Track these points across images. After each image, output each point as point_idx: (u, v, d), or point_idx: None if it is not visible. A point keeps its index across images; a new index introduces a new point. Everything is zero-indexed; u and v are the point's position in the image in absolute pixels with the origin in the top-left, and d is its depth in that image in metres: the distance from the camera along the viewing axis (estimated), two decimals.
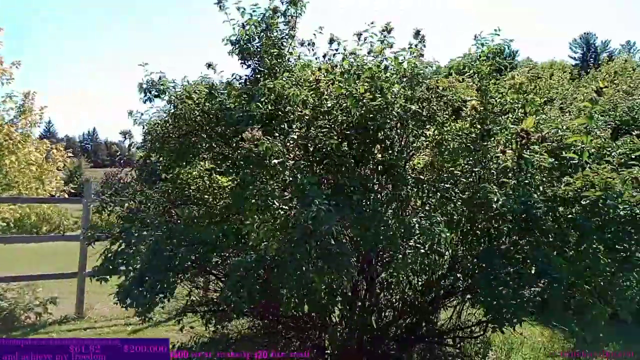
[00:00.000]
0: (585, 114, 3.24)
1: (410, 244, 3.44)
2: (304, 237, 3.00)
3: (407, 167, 4.15)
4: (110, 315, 7.62)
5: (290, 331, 5.22)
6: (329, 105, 3.76)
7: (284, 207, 3.41)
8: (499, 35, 5.00)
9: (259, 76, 4.54)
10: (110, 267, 4.31)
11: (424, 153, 4.58)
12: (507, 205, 3.28)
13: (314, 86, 3.75)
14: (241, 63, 4.87)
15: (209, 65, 4.99)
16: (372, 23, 4.07)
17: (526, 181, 3.50)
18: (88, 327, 7.26)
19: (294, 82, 3.98)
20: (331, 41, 4.39)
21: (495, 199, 3.34)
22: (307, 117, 3.76)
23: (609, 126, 7.84)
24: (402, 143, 4.21)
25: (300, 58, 5.04)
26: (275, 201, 3.34)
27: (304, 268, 3.08)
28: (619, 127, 7.40)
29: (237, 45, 4.60)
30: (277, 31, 4.75)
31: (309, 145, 3.59)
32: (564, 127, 3.75)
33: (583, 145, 3.31)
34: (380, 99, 3.54)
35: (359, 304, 4.87)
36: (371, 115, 3.58)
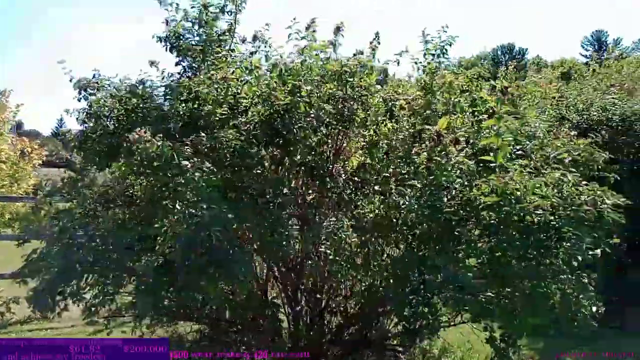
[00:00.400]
0: (496, 115, 3.07)
1: (320, 249, 3.31)
2: (189, 242, 2.87)
3: (335, 169, 4.00)
4: (74, 316, 7.54)
5: (232, 335, 5.10)
6: (245, 105, 3.62)
7: (191, 210, 3.29)
8: (446, 32, 4.87)
9: (189, 74, 4.42)
10: (33, 269, 4.22)
11: (359, 153, 4.45)
12: (412, 210, 3.12)
13: (227, 85, 3.61)
14: (177, 61, 4.76)
15: (152, 63, 4.88)
16: (295, 19, 3.93)
17: (444, 184, 3.34)
18: (50, 327, 7.20)
19: (214, 81, 3.84)
20: (254, 38, 4.24)
21: (402, 202, 3.19)
22: (223, 117, 3.63)
23: (582, 126, 7.64)
24: (331, 144, 4.07)
25: (245, 56, 4.90)
26: (177, 205, 3.22)
27: (196, 275, 2.95)
28: (591, 127, 7.15)
29: (166, 42, 4.48)
30: (212, 28, 4.62)
31: (217, 146, 3.46)
32: (477, 129, 3.58)
33: (497, 148, 3.13)
34: (289, 98, 3.39)
35: (298, 309, 4.73)
36: (279, 116, 3.44)
